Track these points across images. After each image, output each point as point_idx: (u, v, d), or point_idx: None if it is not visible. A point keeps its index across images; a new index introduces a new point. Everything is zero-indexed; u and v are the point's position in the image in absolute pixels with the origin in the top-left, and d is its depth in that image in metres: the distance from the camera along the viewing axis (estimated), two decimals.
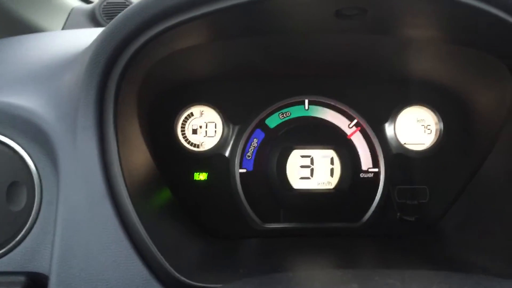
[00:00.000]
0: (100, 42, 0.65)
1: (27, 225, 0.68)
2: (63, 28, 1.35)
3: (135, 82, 0.74)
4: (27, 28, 1.23)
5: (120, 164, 0.64)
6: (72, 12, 1.39)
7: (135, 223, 0.62)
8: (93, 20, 1.38)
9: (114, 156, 0.64)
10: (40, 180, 0.69)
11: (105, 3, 1.40)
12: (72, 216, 0.63)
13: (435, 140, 1.04)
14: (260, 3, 0.60)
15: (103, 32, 0.66)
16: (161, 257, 0.62)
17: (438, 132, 1.03)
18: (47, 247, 0.66)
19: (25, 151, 0.69)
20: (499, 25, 0.63)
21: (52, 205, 0.67)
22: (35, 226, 0.68)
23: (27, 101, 0.69)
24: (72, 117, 0.65)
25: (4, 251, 0.67)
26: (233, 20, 0.68)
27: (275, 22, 0.72)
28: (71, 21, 1.37)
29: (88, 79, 0.64)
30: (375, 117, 1.04)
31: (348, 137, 1.03)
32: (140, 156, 0.80)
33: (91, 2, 1.50)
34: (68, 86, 0.69)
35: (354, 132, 1.03)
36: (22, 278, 0.66)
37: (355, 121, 1.03)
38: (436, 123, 1.03)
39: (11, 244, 0.67)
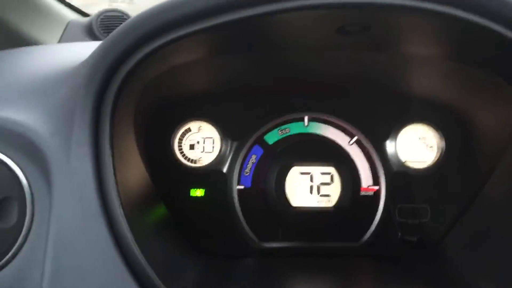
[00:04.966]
0: (97, 57, 0.63)
1: (17, 243, 0.65)
2: (59, 41, 1.34)
3: (132, 98, 0.72)
4: (23, 40, 1.22)
5: (116, 181, 0.61)
6: (68, 25, 1.38)
7: (130, 242, 0.59)
8: (90, 33, 1.38)
9: (109, 172, 0.62)
10: (32, 196, 0.66)
11: (102, 17, 1.40)
12: (64, 234, 0.60)
13: (436, 159, 1.02)
14: (259, 19, 0.58)
15: (100, 46, 0.64)
16: (156, 278, 0.59)
17: (440, 151, 1.01)
18: (38, 266, 0.62)
19: (18, 165, 0.67)
20: (502, 43, 0.61)
21: (44, 223, 0.64)
22: (26, 244, 0.65)
23: (20, 115, 0.67)
24: (66, 132, 0.63)
25: None
26: (231, 35, 0.67)
27: (275, 37, 0.71)
28: (68, 34, 1.36)
29: (84, 94, 0.63)
30: (376, 134, 1.02)
31: (348, 154, 1.01)
32: (136, 172, 0.78)
33: (88, 15, 1.49)
34: (64, 100, 0.67)
35: (354, 149, 1.02)
36: None
37: (355, 138, 1.01)
38: (438, 142, 1.02)
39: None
